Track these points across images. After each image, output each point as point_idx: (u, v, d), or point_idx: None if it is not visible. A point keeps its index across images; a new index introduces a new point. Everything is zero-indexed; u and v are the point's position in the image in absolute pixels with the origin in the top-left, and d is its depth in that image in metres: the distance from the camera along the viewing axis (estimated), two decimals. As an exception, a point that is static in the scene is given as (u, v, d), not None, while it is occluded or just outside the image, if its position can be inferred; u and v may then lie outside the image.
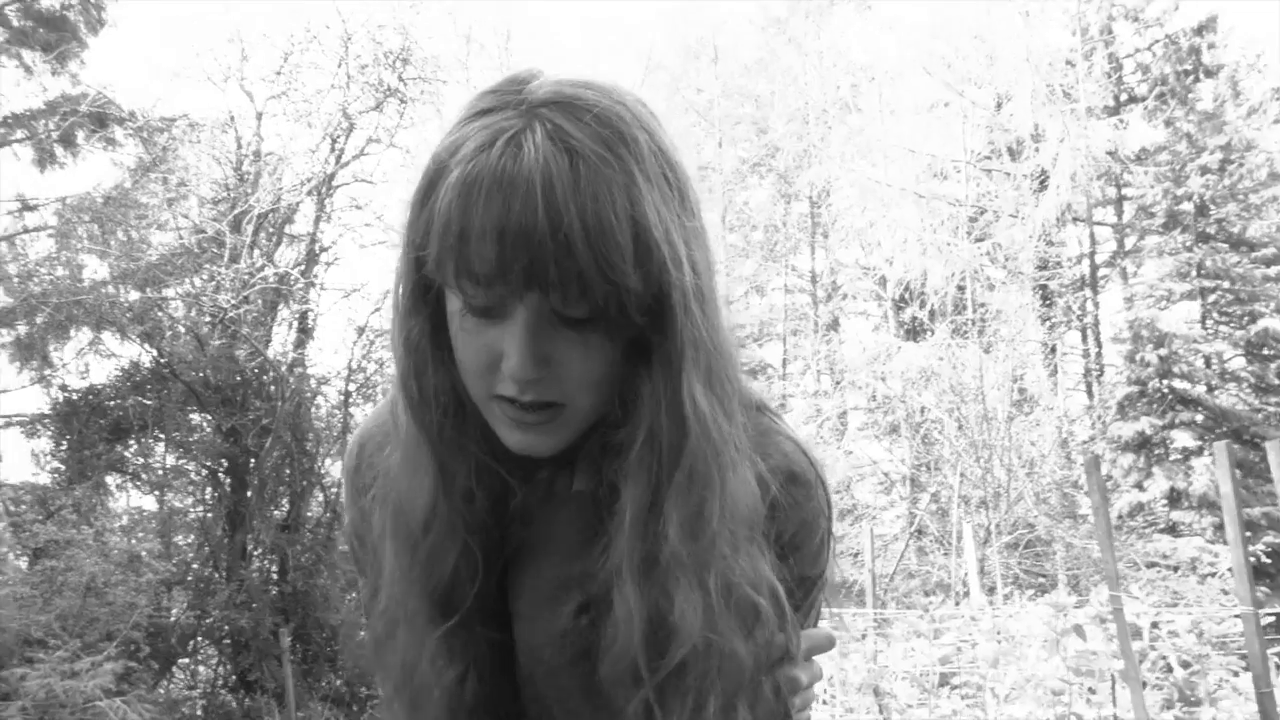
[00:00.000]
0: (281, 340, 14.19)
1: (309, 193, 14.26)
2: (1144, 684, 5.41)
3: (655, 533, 0.94)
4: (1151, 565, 15.70)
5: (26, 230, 17.09)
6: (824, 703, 6.74)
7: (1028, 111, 20.45)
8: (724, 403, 0.96)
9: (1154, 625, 5.79)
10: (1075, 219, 22.38)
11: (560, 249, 0.84)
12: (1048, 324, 21.61)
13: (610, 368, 0.93)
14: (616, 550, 0.95)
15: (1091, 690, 5.70)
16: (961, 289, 19.49)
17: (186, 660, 12.68)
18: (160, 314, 13.24)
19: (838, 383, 21.35)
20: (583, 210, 0.84)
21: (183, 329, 13.93)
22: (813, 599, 1.10)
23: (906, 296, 20.77)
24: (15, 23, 17.35)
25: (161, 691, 11.76)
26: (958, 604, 7.17)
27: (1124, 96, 22.98)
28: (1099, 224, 23.59)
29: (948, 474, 16.40)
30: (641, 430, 0.93)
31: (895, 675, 6.92)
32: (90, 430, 14.67)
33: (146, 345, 13.62)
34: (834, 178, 21.80)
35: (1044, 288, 21.52)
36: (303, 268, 14.11)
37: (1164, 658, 5.58)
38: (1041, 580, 15.28)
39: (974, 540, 9.60)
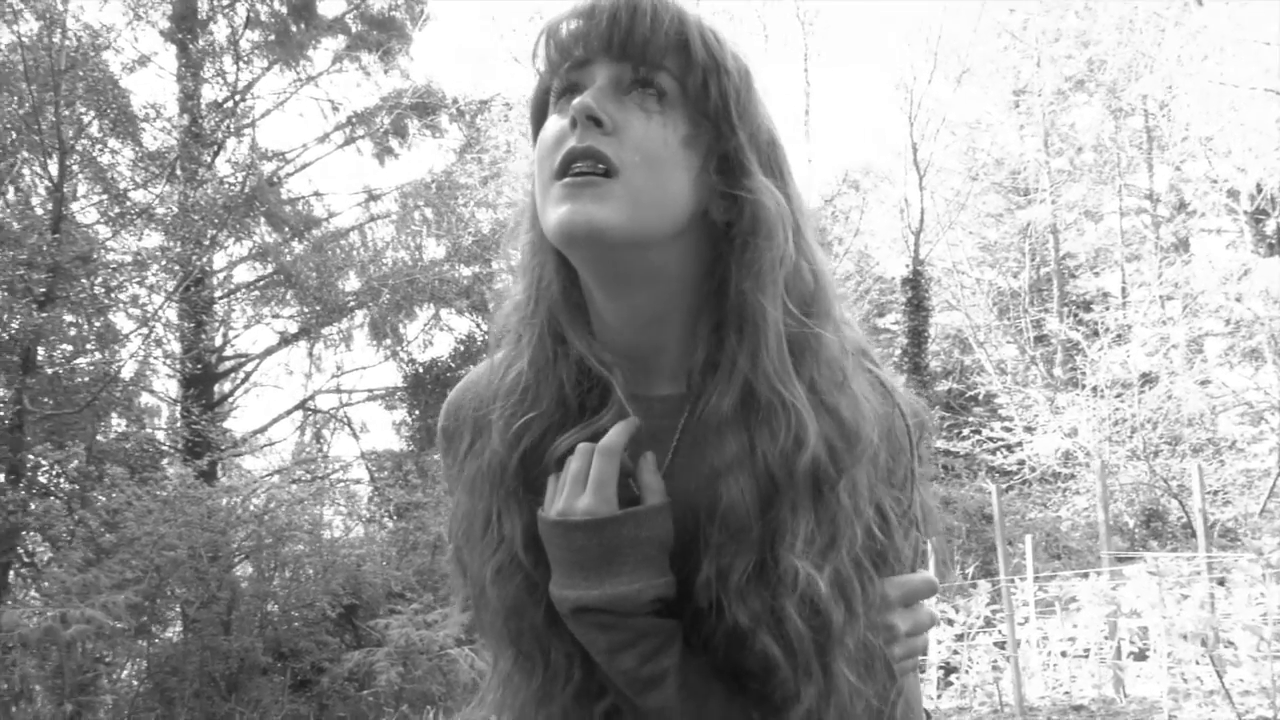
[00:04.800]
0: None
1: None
2: None
3: (814, 338, 1.00)
4: None
5: (373, 219, 18.78)
6: (1147, 654, 6.26)
7: None
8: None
9: None
10: None
11: (644, 13, 0.96)
12: None
13: (675, 158, 0.97)
14: (764, 358, 0.97)
15: None
16: (1332, 192, 17.23)
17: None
18: (484, 287, 14.11)
19: (1186, 307, 19.56)
20: (691, 9, 0.99)
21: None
22: (901, 539, 1.06)
23: (1266, 207, 18.63)
24: (353, 29, 18.94)
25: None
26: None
27: None
28: None
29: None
30: (775, 235, 0.99)
31: (1235, 624, 6.31)
32: (435, 400, 16.01)
33: (476, 318, 14.64)
34: (1172, 84, 19.84)
35: None
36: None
37: None
38: None
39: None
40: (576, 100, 0.95)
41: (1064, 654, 8.87)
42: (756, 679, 0.96)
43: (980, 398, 21.27)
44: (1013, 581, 8.92)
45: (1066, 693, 8.61)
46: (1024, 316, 21.41)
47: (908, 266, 21.01)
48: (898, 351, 21.72)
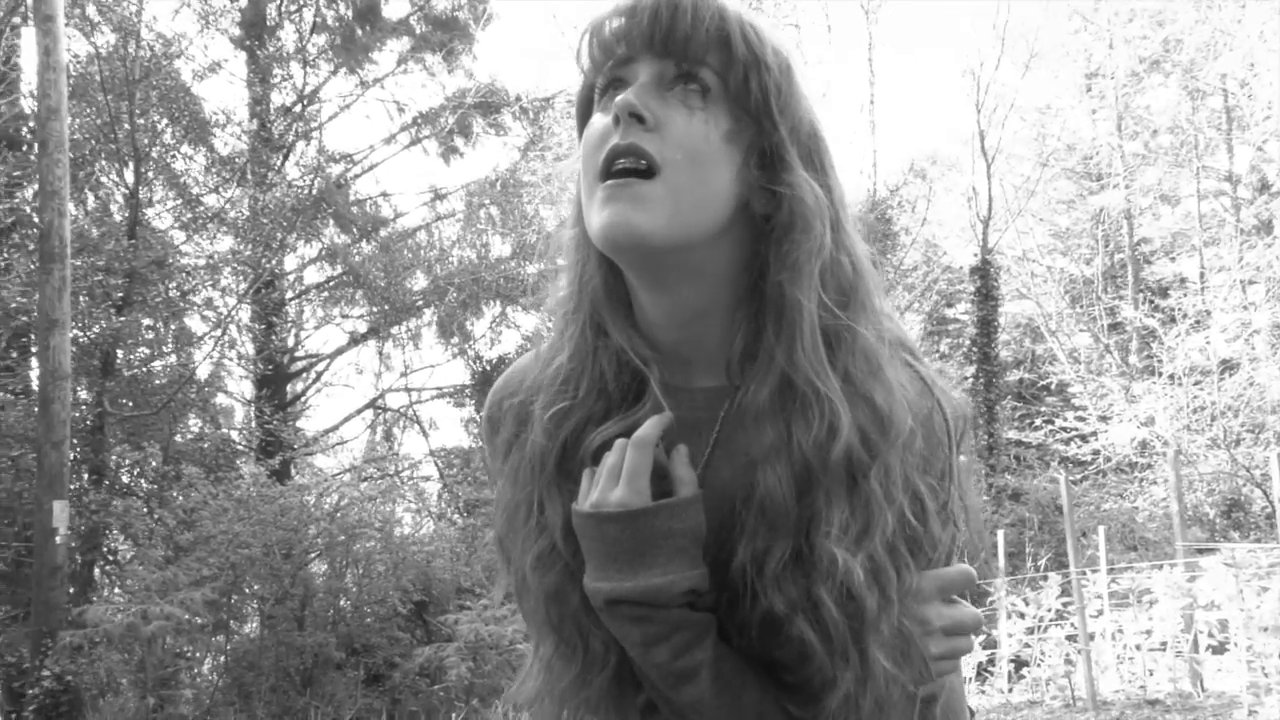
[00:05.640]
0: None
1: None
2: None
3: (848, 331, 1.00)
4: None
5: (439, 218, 18.98)
6: (1223, 647, 6.07)
7: None
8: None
9: None
10: None
11: (685, 10, 0.97)
12: None
13: (717, 154, 0.98)
14: (799, 354, 0.97)
15: None
16: None
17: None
18: (550, 285, 14.19)
19: (1269, 291, 18.98)
20: (720, 3, 0.99)
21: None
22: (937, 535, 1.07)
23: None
24: (418, 30, 19.13)
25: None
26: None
27: None
28: None
29: None
30: (813, 229, 0.99)
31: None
32: (502, 396, 16.22)
33: (542, 314, 14.76)
34: (1254, 61, 19.25)
35: None
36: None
37: None
38: None
39: None
40: (619, 97, 0.96)
41: (1138, 647, 8.67)
42: (790, 670, 0.97)
43: (1053, 387, 20.92)
44: (1084, 574, 8.73)
45: (1142, 686, 8.41)
46: (1097, 304, 20.97)
47: (976, 255, 20.69)
48: (967, 341, 21.42)
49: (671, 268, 0.99)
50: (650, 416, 1.01)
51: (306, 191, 16.76)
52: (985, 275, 20.15)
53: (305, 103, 18.06)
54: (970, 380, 20.63)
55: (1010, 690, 9.27)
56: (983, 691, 9.49)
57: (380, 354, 19.46)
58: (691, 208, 0.96)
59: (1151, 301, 20.02)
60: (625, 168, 0.96)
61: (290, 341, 18.10)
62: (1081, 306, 21.41)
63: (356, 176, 18.63)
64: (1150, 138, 22.94)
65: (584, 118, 1.07)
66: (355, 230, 17.95)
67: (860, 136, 22.03)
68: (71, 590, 11.95)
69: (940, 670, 1.04)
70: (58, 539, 10.70)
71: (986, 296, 20.07)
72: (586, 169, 1.00)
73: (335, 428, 19.26)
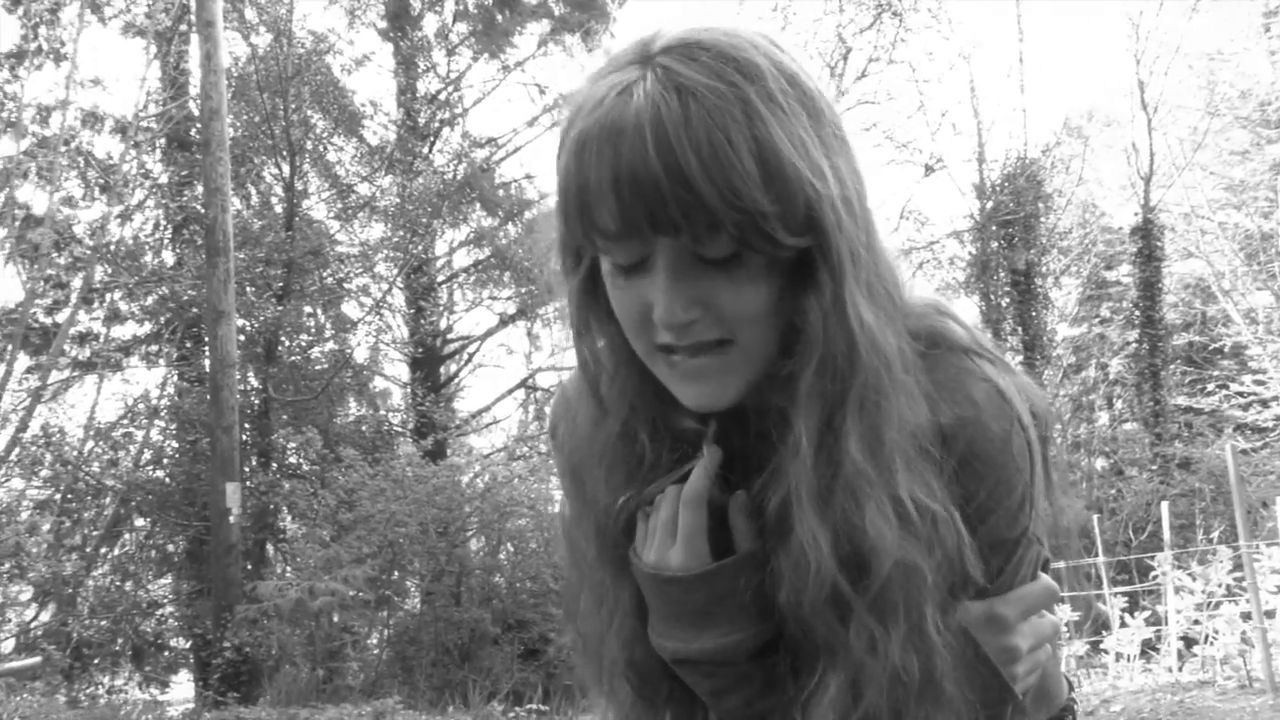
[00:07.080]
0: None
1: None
2: None
3: (837, 451, 0.92)
4: None
5: (579, 205, 19.16)
6: None
7: None
8: (887, 313, 0.95)
9: None
10: None
11: (678, 187, 0.84)
12: None
13: (773, 299, 0.92)
14: (792, 476, 0.93)
15: None
16: None
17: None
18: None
19: None
20: (695, 143, 0.85)
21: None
22: (1018, 560, 1.03)
23: None
24: (556, 12, 19.31)
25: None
26: None
27: None
28: None
29: None
30: (812, 355, 0.92)
31: None
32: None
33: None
34: None
35: None
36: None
37: None
38: None
39: None
40: (658, 316, 0.90)
41: (1325, 627, 8.17)
42: None
43: (1226, 349, 19.82)
44: (1256, 547, 8.28)
45: (1330, 670, 7.94)
46: (1277, 260, 19.74)
47: (1137, 214, 19.74)
48: (1129, 305, 20.50)
49: None
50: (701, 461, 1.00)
51: (452, 177, 17.16)
52: (1148, 235, 19.23)
53: (449, 90, 18.46)
54: (1134, 345, 19.76)
55: (1180, 669, 8.89)
56: (1148, 670, 9.13)
57: (529, 334, 19.80)
58: (761, 354, 0.94)
59: (1340, 256, 18.80)
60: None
61: (442, 324, 18.59)
62: (1259, 263, 20.17)
63: (500, 160, 18.97)
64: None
65: (574, 257, 0.99)
66: (501, 213, 18.30)
67: (1009, 95, 21.23)
68: (248, 566, 12.62)
69: (1026, 686, 1.03)
70: (231, 519, 11.30)
71: (1150, 257, 19.15)
72: (636, 339, 0.96)
73: (487, 408, 19.69)
